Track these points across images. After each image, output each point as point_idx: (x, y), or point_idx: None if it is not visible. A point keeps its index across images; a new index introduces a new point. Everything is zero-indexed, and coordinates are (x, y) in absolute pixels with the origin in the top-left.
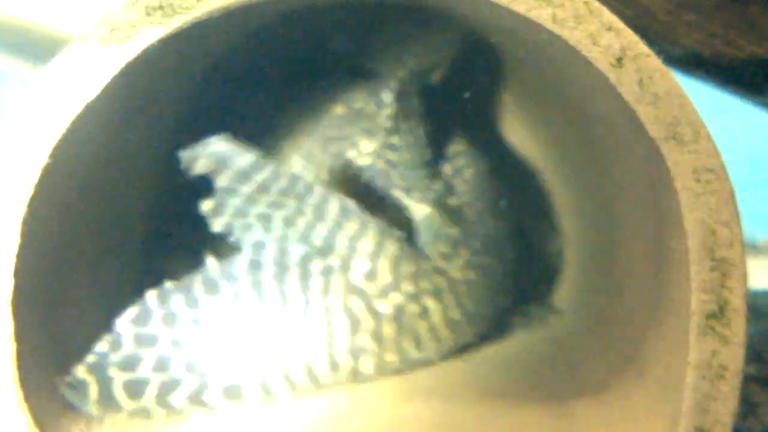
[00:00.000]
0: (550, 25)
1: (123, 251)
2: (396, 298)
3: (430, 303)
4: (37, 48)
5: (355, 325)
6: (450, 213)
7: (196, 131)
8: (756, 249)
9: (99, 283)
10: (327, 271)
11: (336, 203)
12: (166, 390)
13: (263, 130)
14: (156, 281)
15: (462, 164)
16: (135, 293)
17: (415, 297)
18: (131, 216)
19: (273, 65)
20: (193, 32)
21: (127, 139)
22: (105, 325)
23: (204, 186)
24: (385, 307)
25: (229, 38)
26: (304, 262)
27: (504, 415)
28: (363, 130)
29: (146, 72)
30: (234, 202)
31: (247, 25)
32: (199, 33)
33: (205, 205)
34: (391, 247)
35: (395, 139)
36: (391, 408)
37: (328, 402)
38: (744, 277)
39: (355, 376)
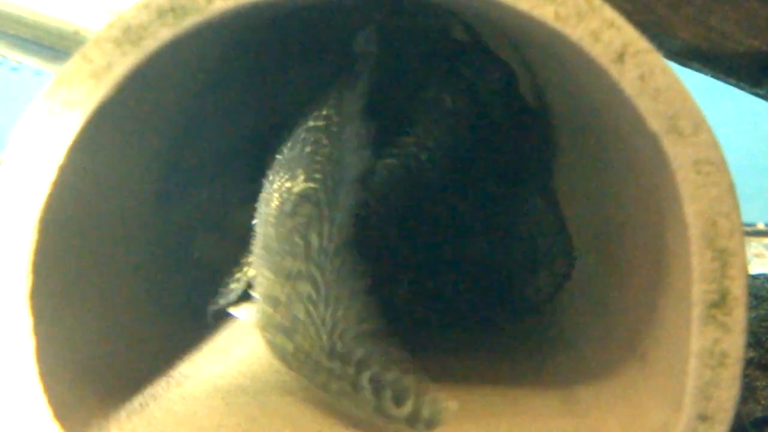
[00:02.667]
0: (552, 23)
1: (135, 247)
2: None
3: None
4: (49, 42)
5: None
6: None
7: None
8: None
9: (114, 278)
10: None
11: None
12: None
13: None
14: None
15: None
16: (147, 290)
17: None
18: (142, 215)
19: (278, 62)
20: (203, 33)
21: (135, 138)
22: (120, 319)
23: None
24: None
25: (236, 38)
26: None
27: (509, 398)
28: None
29: (157, 74)
30: None
31: (251, 25)
32: (210, 34)
33: None
34: None
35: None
36: None
37: None
38: (744, 266)
39: None
